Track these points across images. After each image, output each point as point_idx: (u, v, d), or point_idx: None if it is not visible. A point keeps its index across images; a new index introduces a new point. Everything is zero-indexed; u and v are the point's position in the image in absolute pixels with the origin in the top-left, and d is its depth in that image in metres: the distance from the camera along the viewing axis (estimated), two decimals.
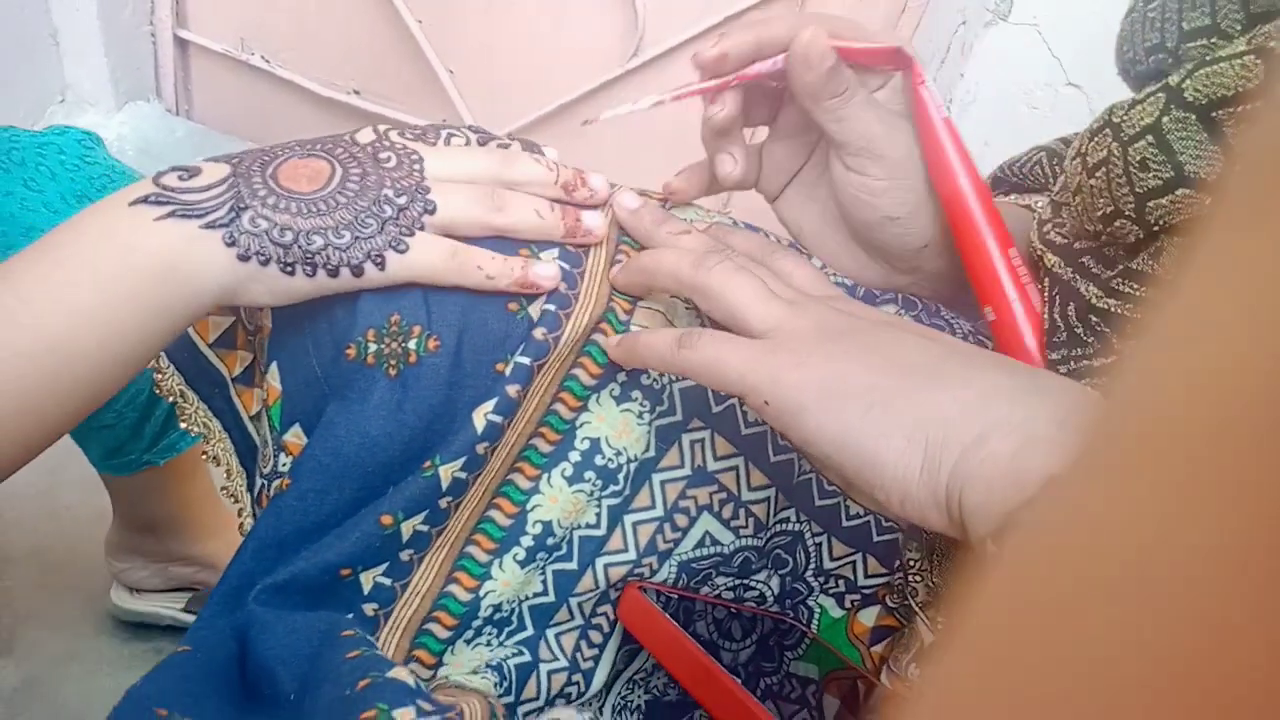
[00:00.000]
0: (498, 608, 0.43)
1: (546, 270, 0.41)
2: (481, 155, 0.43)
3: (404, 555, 0.41)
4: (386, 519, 0.39)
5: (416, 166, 0.41)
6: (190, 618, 0.94)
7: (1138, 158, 0.34)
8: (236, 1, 1.52)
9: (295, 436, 0.43)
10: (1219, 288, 0.11)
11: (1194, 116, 0.32)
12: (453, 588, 0.42)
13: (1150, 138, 0.34)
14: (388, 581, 0.41)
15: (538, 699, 0.43)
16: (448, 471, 0.39)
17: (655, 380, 0.44)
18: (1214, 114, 0.32)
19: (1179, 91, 0.33)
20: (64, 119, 1.51)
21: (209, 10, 1.55)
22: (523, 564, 0.42)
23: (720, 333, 0.37)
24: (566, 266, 0.42)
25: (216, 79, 1.62)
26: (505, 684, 0.42)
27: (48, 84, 1.48)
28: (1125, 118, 0.35)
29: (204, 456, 0.53)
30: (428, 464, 0.39)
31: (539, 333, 0.41)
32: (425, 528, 0.40)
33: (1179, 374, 0.11)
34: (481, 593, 0.42)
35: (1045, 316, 0.42)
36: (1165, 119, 0.33)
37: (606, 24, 1.42)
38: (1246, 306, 0.10)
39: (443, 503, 0.40)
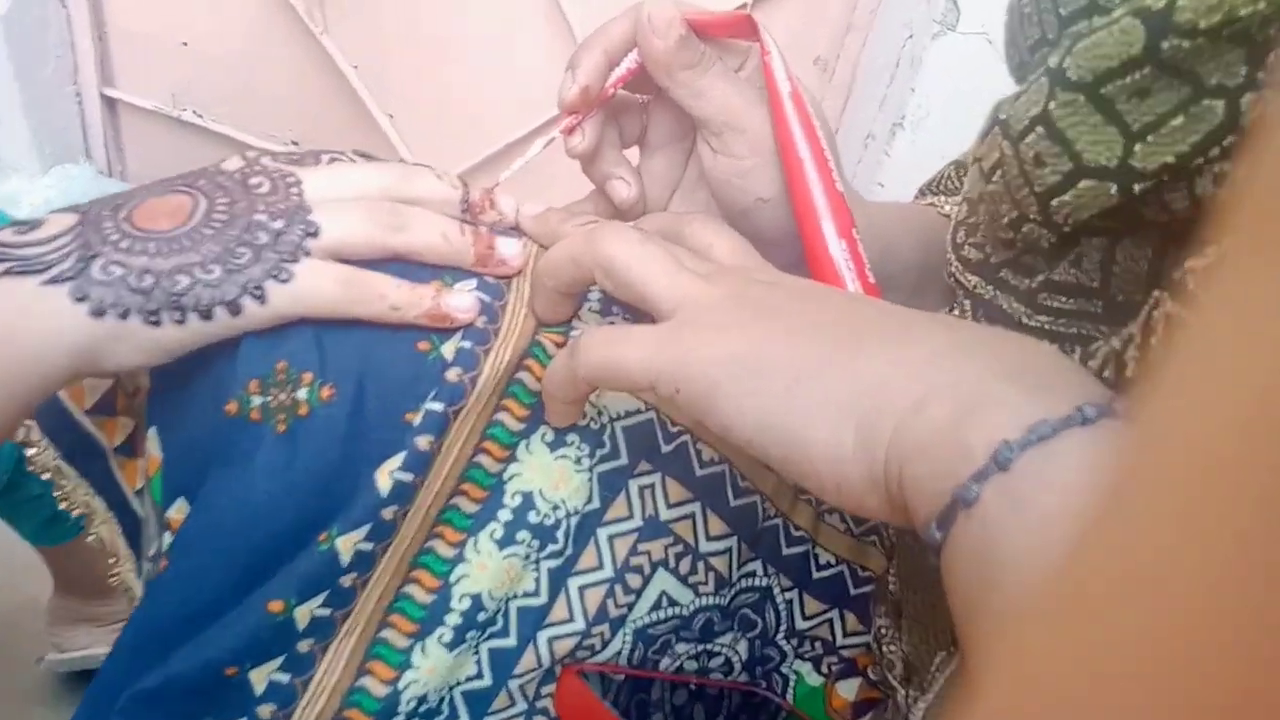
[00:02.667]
0: (423, 699, 0.36)
1: (462, 302, 0.36)
2: (372, 170, 0.38)
3: (303, 646, 0.34)
4: (275, 605, 0.33)
5: (294, 189, 0.36)
6: None
7: (1031, 153, 0.31)
8: (165, 57, 1.47)
9: (179, 512, 0.37)
10: (1247, 317, 0.10)
11: (1082, 97, 0.28)
12: (366, 680, 0.36)
13: (1041, 129, 0.30)
14: (285, 678, 0.34)
15: None
16: (348, 543, 0.33)
17: (593, 420, 0.38)
18: (1102, 90, 0.28)
19: (1061, 72, 0.29)
20: None
21: (136, 67, 1.49)
22: (450, 646, 0.36)
23: (614, 326, 0.32)
24: (486, 298, 0.37)
25: (149, 137, 1.56)
26: None
27: None
28: (1012, 112, 0.32)
29: (88, 539, 0.46)
30: (323, 536, 0.33)
31: (453, 374, 0.35)
32: (326, 611, 0.34)
33: (1214, 408, 0.10)
34: (401, 684, 0.36)
35: None
36: (1052, 105, 0.29)
37: (548, 60, 1.38)
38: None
39: (346, 581, 0.34)
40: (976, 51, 1.13)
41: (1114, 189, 0.29)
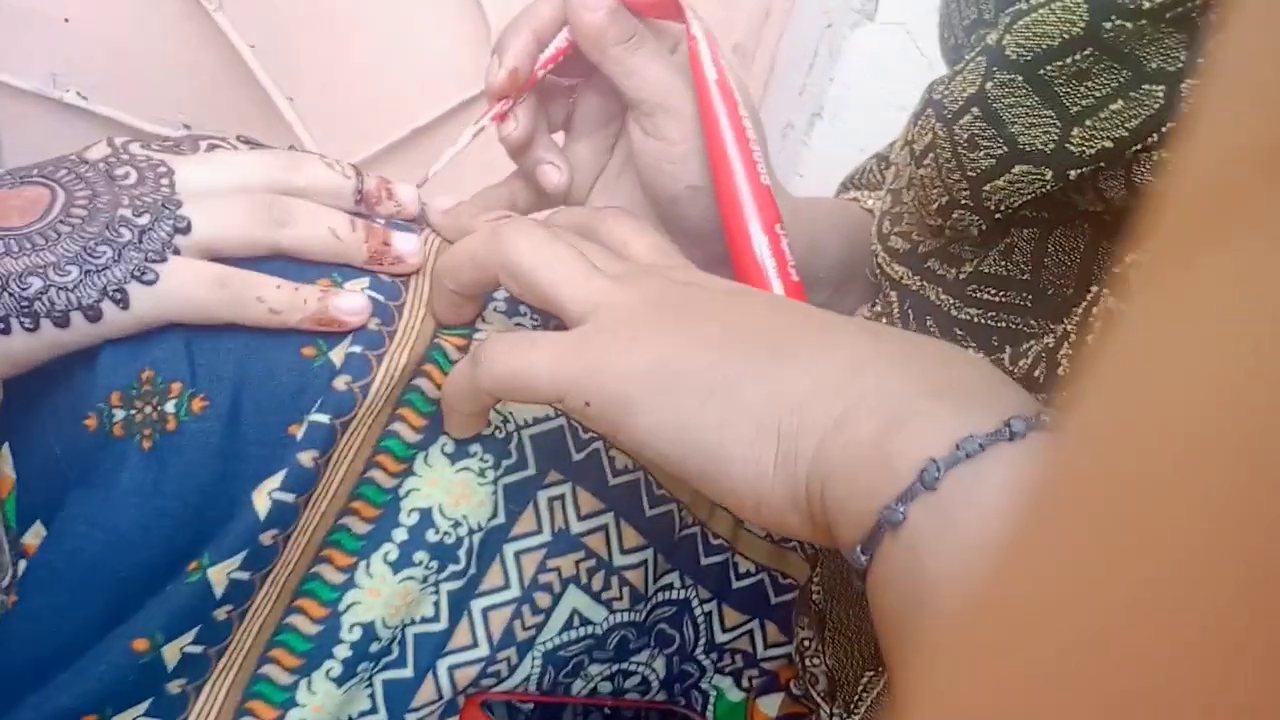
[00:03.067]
0: None
1: (352, 304, 0.33)
2: (254, 158, 0.35)
3: (173, 687, 0.31)
4: (140, 644, 0.30)
5: (165, 180, 0.32)
6: None
7: (965, 135, 0.29)
8: (43, 33, 1.37)
9: (35, 537, 0.33)
10: (1176, 319, 0.10)
11: (1020, 77, 0.27)
12: None
13: (976, 109, 0.29)
14: None
15: None
16: (221, 573, 0.30)
17: (498, 428, 0.35)
18: (1041, 71, 0.27)
19: (1000, 50, 0.28)
20: None
21: (11, 44, 1.39)
22: (340, 681, 0.33)
23: (519, 333, 0.31)
24: (380, 298, 0.34)
25: (27, 120, 1.46)
26: None
27: None
28: (946, 92, 0.31)
29: None
30: (194, 565, 0.30)
31: (341, 382, 0.32)
32: (198, 649, 0.31)
33: (1143, 417, 0.09)
34: None
35: None
36: (989, 85, 0.28)
37: (457, 40, 1.34)
38: (1211, 336, 0.09)
39: (220, 614, 0.31)
40: (895, 43, 1.13)
41: (1049, 174, 0.27)
